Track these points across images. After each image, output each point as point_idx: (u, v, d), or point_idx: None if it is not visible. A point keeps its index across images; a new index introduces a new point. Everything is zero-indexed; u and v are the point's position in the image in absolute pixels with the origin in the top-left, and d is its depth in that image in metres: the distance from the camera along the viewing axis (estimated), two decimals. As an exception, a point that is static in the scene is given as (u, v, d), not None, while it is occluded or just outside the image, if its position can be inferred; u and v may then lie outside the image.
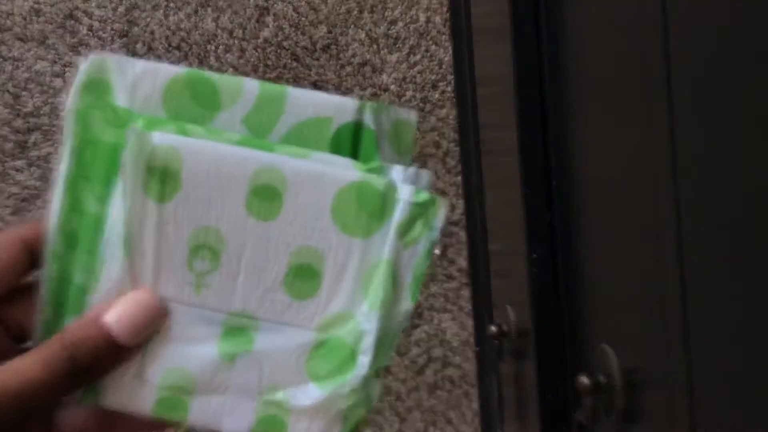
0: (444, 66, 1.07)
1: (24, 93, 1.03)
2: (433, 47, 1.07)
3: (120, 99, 0.38)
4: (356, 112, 0.39)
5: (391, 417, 1.07)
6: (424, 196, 0.38)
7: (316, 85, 1.06)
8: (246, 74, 1.05)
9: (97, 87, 0.38)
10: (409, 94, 1.07)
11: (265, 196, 0.37)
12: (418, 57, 1.07)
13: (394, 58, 1.07)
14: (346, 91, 1.06)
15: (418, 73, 1.07)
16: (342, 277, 0.38)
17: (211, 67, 1.05)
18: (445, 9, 1.07)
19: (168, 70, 0.38)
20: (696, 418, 0.45)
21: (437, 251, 1.05)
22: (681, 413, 0.46)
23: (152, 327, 0.36)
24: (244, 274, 0.37)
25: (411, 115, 0.40)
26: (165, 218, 0.36)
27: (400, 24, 1.07)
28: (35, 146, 1.03)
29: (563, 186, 0.69)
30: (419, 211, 0.38)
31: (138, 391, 0.37)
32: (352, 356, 0.38)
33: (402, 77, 1.07)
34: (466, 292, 1.08)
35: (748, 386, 0.39)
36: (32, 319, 0.37)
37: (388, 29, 1.07)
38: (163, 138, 0.36)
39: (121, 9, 1.04)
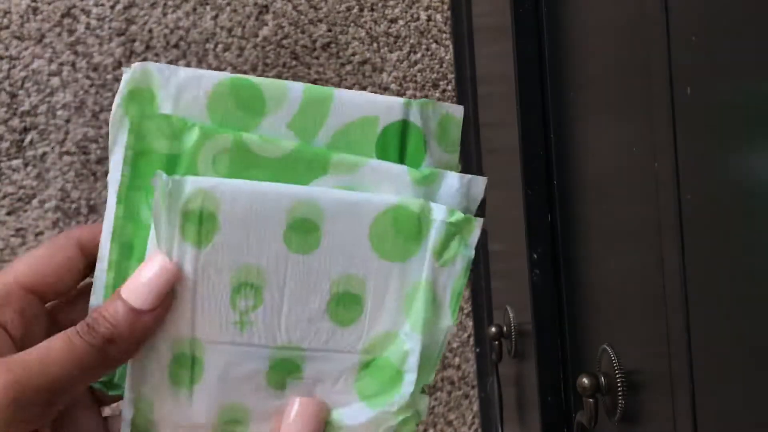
0: (445, 65, 1.07)
1: (21, 92, 1.03)
2: (434, 46, 1.07)
3: (164, 107, 0.38)
4: (402, 111, 0.39)
5: (391, 418, 1.07)
6: (458, 215, 0.38)
7: (315, 84, 1.06)
8: (245, 73, 1.05)
9: (141, 96, 0.38)
10: (409, 93, 1.07)
11: (303, 230, 0.38)
12: (419, 56, 1.07)
13: (394, 56, 1.07)
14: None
15: (419, 71, 1.07)
16: (383, 300, 0.39)
17: (209, 66, 1.05)
18: (446, 7, 1.07)
19: (212, 77, 0.38)
20: (697, 418, 0.44)
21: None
22: (682, 414, 0.46)
23: (164, 287, 0.36)
24: (287, 307, 0.38)
25: (457, 111, 0.40)
26: (205, 261, 0.37)
27: (401, 22, 1.07)
28: (31, 145, 1.03)
29: (564, 186, 0.69)
30: (455, 230, 0.38)
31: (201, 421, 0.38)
32: (398, 375, 0.39)
33: (402, 76, 1.07)
34: (465, 293, 1.07)
35: (749, 387, 0.39)
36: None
37: (389, 27, 1.07)
38: (194, 182, 0.37)
39: (119, 7, 1.04)
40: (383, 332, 0.39)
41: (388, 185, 0.39)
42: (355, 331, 0.39)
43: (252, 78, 0.39)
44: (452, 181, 0.39)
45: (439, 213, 0.38)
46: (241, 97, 0.39)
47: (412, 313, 0.39)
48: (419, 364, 0.38)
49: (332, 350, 0.39)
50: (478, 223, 0.39)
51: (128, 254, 0.38)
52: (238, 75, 0.39)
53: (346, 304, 0.39)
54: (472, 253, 0.39)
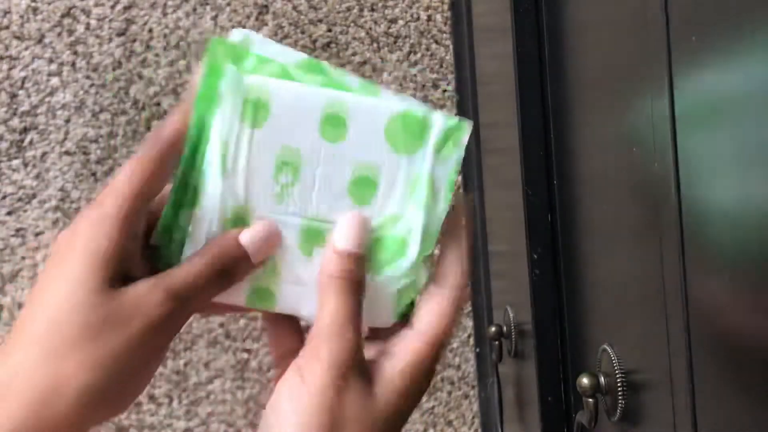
0: (445, 65, 1.07)
1: (21, 92, 1.03)
2: (434, 46, 1.07)
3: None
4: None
5: (391, 418, 1.07)
6: (453, 121, 0.48)
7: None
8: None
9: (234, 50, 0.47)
10: (409, 93, 1.07)
11: (334, 123, 0.47)
12: (419, 56, 1.07)
13: (394, 56, 1.07)
14: (346, 90, 1.06)
15: (419, 72, 1.07)
16: (393, 186, 0.47)
17: (210, 66, 1.05)
18: (446, 7, 1.07)
19: (291, 55, 0.48)
20: (697, 418, 0.44)
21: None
22: (682, 414, 0.46)
23: (273, 249, 0.46)
24: (318, 185, 0.47)
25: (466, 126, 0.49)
26: (257, 140, 0.46)
27: (401, 22, 1.07)
28: (31, 145, 1.03)
29: (564, 186, 0.69)
30: (450, 133, 0.48)
31: (234, 286, 0.47)
32: (403, 244, 0.47)
33: (402, 76, 1.07)
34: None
35: (749, 387, 0.39)
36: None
37: (389, 28, 1.07)
38: (254, 78, 0.46)
39: (119, 7, 1.04)
40: (392, 214, 0.47)
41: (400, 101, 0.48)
42: (369, 210, 0.47)
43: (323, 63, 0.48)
44: (438, 117, 0.48)
45: (437, 119, 0.47)
46: (309, 66, 0.48)
47: (415, 197, 0.47)
48: (421, 238, 0.47)
49: None
50: (468, 126, 0.48)
51: (194, 153, 0.46)
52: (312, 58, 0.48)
53: (364, 186, 0.47)
54: (463, 151, 0.48)
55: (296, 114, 0.47)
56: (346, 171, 0.48)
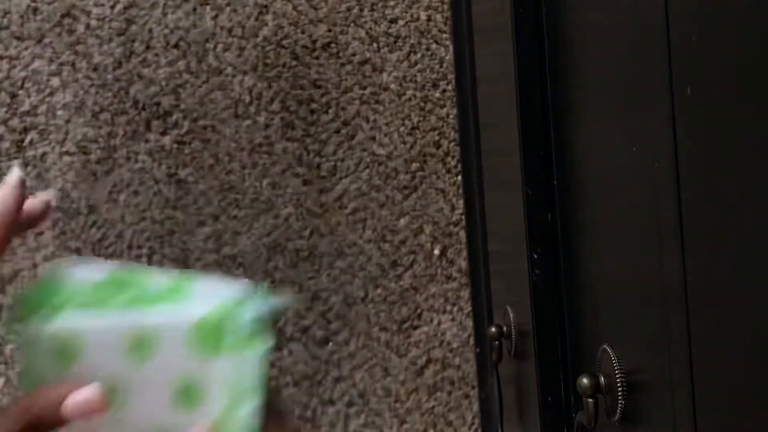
0: (445, 65, 1.07)
1: (21, 92, 1.03)
2: (434, 46, 1.07)
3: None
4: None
5: (391, 419, 1.07)
6: (255, 314, 0.50)
7: (315, 84, 1.06)
8: (245, 73, 1.05)
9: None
10: (409, 93, 1.07)
11: (140, 347, 0.49)
12: (419, 56, 1.07)
13: (394, 56, 1.07)
14: (345, 90, 1.06)
15: (419, 71, 1.07)
16: (209, 391, 0.49)
17: (209, 66, 1.05)
18: (446, 7, 1.07)
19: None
20: (697, 418, 0.44)
21: (437, 251, 1.05)
22: (682, 414, 0.46)
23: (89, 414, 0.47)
24: (142, 406, 0.50)
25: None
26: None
27: (401, 22, 1.07)
28: (31, 145, 1.03)
29: (564, 186, 0.69)
30: (254, 331, 0.50)
31: None
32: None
33: (402, 76, 1.07)
34: (465, 293, 1.07)
35: (749, 387, 0.39)
36: None
37: (389, 28, 1.07)
38: (57, 325, 0.48)
39: (119, 7, 1.04)
40: (213, 419, 0.50)
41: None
42: (198, 414, 0.49)
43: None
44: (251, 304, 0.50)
45: (238, 317, 0.50)
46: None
47: (222, 401, 0.51)
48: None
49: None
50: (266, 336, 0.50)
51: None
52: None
53: (186, 396, 0.50)
54: (269, 342, 0.50)
55: (103, 348, 0.49)
56: (164, 387, 0.50)
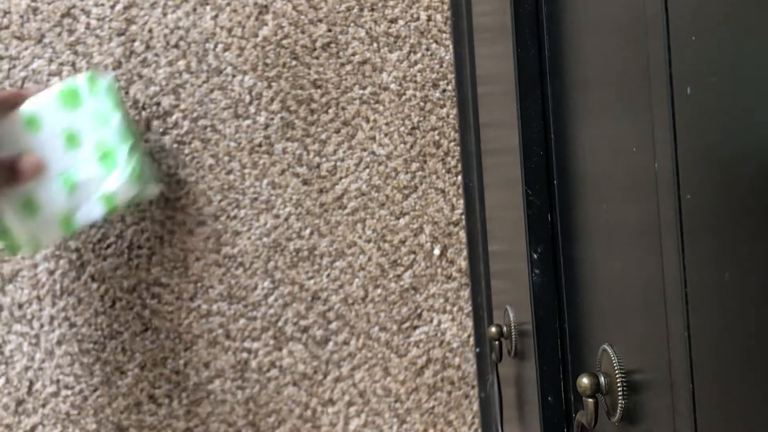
0: (445, 65, 1.07)
1: (21, 91, 1.03)
2: (434, 46, 1.07)
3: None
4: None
5: (391, 419, 1.07)
6: (87, 75, 0.95)
7: (315, 84, 1.06)
8: (245, 73, 1.05)
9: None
10: (409, 92, 1.07)
11: (32, 123, 0.91)
12: (419, 56, 1.07)
13: (394, 56, 1.07)
14: (345, 90, 1.06)
15: (419, 71, 1.07)
16: (83, 133, 0.93)
17: (209, 66, 1.05)
18: (446, 7, 1.07)
19: None
20: (697, 418, 0.44)
21: (437, 251, 1.05)
22: (682, 414, 0.46)
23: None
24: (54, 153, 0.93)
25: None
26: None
27: (401, 22, 1.07)
28: (32, 145, 1.03)
29: (564, 186, 0.69)
30: (92, 83, 0.93)
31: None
32: (109, 164, 0.93)
33: (402, 76, 1.07)
34: (465, 293, 1.07)
35: (749, 387, 0.38)
36: None
37: (389, 27, 1.07)
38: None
39: (119, 7, 1.04)
40: (91, 150, 0.93)
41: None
42: (79, 152, 0.93)
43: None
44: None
45: (81, 79, 0.94)
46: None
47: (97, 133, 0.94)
48: (99, 156, 0.93)
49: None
50: (99, 76, 0.93)
51: None
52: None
53: (70, 141, 0.92)
54: (104, 86, 0.95)
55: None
56: (58, 141, 0.91)
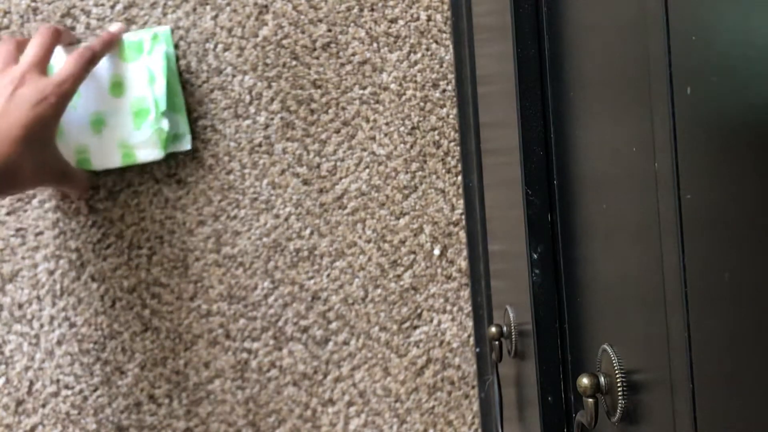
0: (445, 65, 1.07)
1: (21, 91, 1.03)
2: (434, 46, 1.07)
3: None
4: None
5: (391, 419, 1.07)
6: (151, 33, 1.01)
7: (315, 84, 1.06)
8: (245, 73, 1.05)
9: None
10: (409, 93, 1.07)
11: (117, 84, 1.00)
12: (419, 56, 1.07)
13: (394, 56, 1.07)
14: (345, 90, 1.06)
15: (419, 71, 1.07)
16: (133, 80, 1.01)
17: (209, 66, 1.05)
18: (446, 7, 1.07)
19: None
20: (697, 418, 0.44)
21: (437, 251, 1.05)
22: (682, 414, 0.46)
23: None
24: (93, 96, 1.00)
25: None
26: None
27: (401, 22, 1.07)
28: (32, 145, 1.03)
29: (564, 186, 0.69)
30: (154, 42, 1.01)
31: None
32: (147, 112, 0.99)
33: (402, 76, 1.07)
34: (465, 293, 1.07)
35: (750, 387, 0.38)
36: None
37: (389, 27, 1.07)
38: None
39: (119, 7, 1.04)
40: (137, 96, 1.00)
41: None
42: (123, 99, 1.00)
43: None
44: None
45: (145, 36, 1.03)
46: None
47: (147, 84, 1.00)
48: (154, 104, 0.99)
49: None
50: (164, 32, 1.02)
51: None
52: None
53: (116, 87, 0.99)
54: (164, 47, 1.02)
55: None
56: (104, 83, 0.99)
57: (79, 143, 0.98)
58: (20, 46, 0.93)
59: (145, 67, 0.98)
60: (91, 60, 0.93)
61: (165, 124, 0.97)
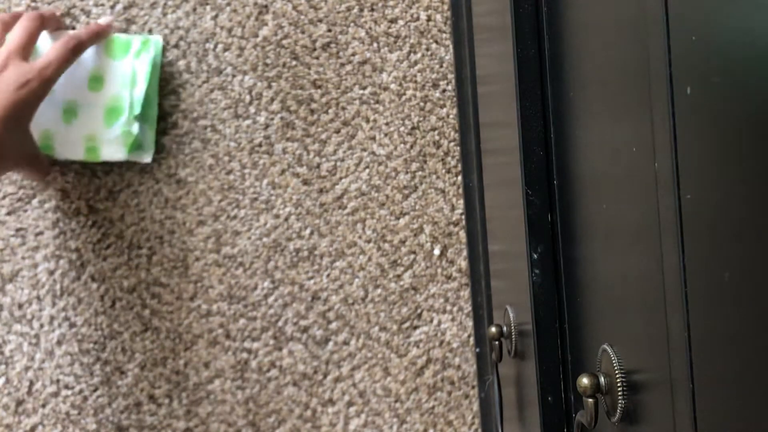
0: (445, 65, 1.07)
1: (21, 91, 1.03)
2: (434, 46, 1.07)
3: None
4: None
5: (391, 419, 1.07)
6: (143, 38, 1.01)
7: (315, 84, 1.06)
8: (245, 73, 1.05)
9: None
10: (409, 93, 1.07)
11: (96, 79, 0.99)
12: (419, 56, 1.07)
13: (394, 56, 1.07)
14: (345, 90, 1.06)
15: (419, 71, 1.07)
16: (113, 79, 1.02)
17: (209, 66, 1.05)
18: (446, 7, 1.07)
19: None
20: (697, 418, 0.44)
21: (437, 251, 1.05)
22: (682, 414, 0.46)
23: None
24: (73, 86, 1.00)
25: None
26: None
27: (401, 22, 1.07)
28: (32, 145, 1.03)
29: (564, 186, 0.69)
30: (143, 46, 1.01)
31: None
32: (120, 111, 0.99)
33: (402, 76, 1.07)
34: (465, 293, 1.07)
35: (750, 387, 0.38)
36: None
37: (389, 27, 1.07)
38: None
39: (119, 7, 1.04)
40: (113, 94, 1.00)
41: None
42: (100, 94, 0.99)
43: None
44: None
45: (135, 40, 1.02)
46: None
47: (126, 84, 1.00)
48: (128, 107, 0.99)
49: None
50: (155, 42, 1.01)
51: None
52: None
53: (95, 82, 1.00)
54: (152, 52, 1.02)
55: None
56: (84, 75, 0.98)
57: (47, 129, 0.98)
58: (6, 27, 0.93)
59: (129, 68, 0.98)
60: (76, 48, 0.94)
61: (135, 128, 0.97)
